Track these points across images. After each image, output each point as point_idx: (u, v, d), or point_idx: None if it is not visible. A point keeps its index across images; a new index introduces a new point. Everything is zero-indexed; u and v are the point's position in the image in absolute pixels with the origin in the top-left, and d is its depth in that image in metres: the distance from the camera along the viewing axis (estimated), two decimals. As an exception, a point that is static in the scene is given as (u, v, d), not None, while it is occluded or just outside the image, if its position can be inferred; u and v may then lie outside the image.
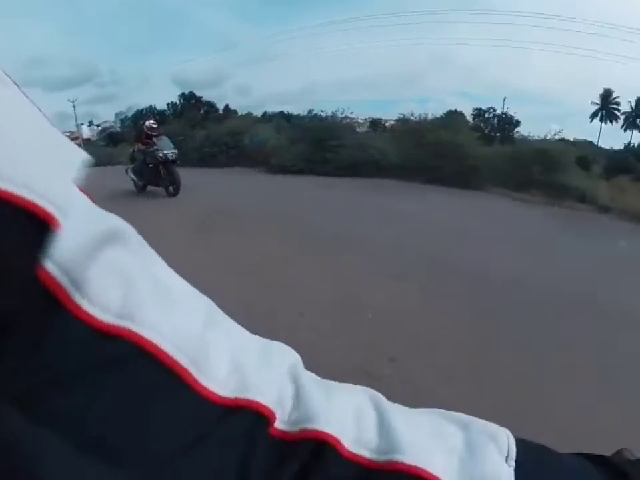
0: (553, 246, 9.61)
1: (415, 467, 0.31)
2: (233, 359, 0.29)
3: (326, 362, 2.18)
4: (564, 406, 3.30)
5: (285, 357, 0.33)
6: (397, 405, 0.36)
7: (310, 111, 26.40)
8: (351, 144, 18.73)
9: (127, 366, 0.25)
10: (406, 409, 0.36)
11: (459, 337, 4.34)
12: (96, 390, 0.24)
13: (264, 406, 0.29)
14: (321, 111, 23.90)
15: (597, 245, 10.54)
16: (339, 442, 0.31)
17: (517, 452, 0.34)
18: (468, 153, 17.10)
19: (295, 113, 33.84)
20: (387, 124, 31.61)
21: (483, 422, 0.36)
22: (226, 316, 0.31)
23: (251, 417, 0.28)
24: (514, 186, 16.28)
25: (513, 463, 0.33)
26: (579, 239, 11.13)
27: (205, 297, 0.31)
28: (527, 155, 17.52)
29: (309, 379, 0.33)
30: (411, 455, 0.31)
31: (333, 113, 22.91)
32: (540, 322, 4.99)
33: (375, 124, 33.68)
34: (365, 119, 34.22)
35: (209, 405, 0.27)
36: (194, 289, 0.30)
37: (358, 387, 0.36)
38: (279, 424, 0.30)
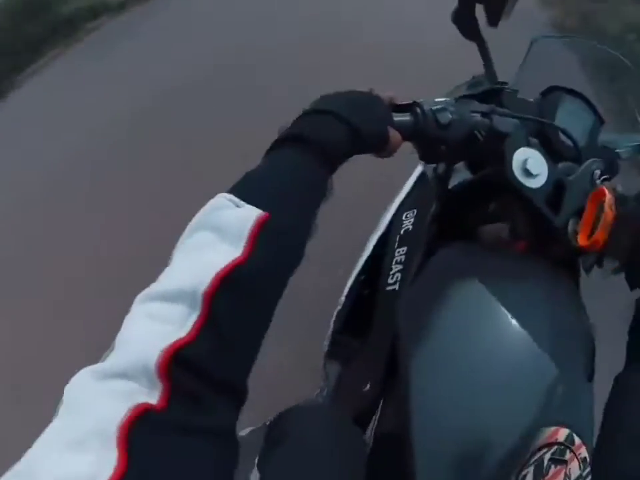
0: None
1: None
2: (75, 452, 0.27)
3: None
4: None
5: (73, 388, 0.32)
6: None
7: None
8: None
9: None
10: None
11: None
12: None
13: (127, 422, 0.29)
14: None
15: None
16: (181, 341, 0.33)
17: (233, 194, 0.42)
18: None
19: None
20: None
21: (201, 210, 0.42)
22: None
23: (140, 428, 0.29)
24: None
25: (241, 203, 0.42)
26: None
27: None
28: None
29: (108, 364, 0.33)
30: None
31: None
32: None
33: None
34: None
35: None
36: None
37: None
38: (147, 398, 0.31)
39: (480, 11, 0.78)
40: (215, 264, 0.37)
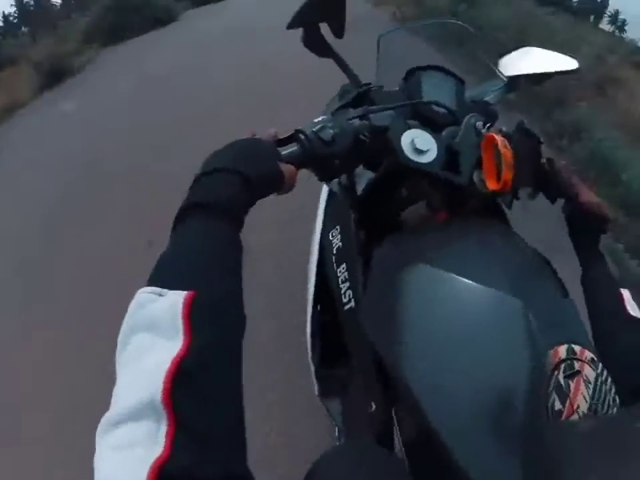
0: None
1: None
2: None
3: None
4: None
5: None
6: None
7: None
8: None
9: None
10: None
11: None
12: None
13: None
14: None
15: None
16: (160, 459, 0.32)
17: (152, 285, 0.41)
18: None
19: None
20: None
21: (127, 314, 0.41)
22: None
23: None
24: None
25: (164, 291, 0.40)
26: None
27: None
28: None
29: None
30: None
31: None
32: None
33: None
34: None
35: None
36: None
37: None
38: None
39: (325, 28, 0.84)
40: (160, 366, 0.35)
